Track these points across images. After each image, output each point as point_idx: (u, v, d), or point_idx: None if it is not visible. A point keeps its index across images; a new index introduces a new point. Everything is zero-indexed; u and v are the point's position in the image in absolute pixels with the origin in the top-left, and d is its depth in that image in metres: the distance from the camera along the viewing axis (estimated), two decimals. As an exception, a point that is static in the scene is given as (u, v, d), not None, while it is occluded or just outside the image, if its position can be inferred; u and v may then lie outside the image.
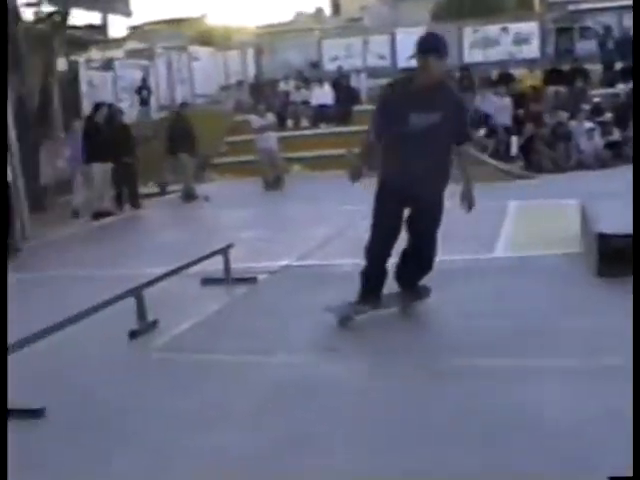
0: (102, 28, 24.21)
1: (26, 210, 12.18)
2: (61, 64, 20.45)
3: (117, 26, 58.97)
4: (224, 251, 7.75)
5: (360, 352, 5.68)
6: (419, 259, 6.33)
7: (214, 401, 4.94)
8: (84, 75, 21.46)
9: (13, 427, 4.71)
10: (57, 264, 10.03)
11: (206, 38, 35.77)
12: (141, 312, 6.37)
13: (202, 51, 28.94)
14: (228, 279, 7.72)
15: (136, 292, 6.38)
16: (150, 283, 6.63)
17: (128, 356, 5.99)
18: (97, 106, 15.41)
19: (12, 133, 11.83)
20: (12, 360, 5.01)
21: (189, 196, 15.60)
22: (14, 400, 4.83)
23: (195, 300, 7.35)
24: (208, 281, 7.79)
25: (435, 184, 6.14)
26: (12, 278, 9.25)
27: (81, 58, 23.33)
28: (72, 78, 20.83)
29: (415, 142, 5.90)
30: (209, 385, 5.22)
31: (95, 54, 25.71)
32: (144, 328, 6.35)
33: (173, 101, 23.86)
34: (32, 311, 7.12)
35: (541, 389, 4.60)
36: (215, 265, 7.75)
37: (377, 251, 6.24)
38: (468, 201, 6.24)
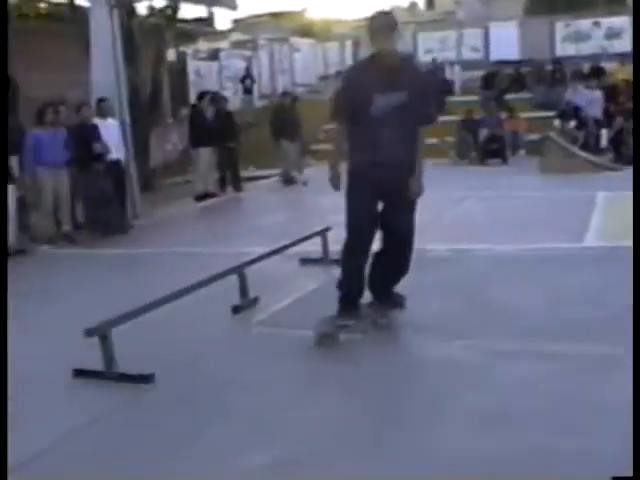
0: (209, 21, 24.52)
1: (137, 190, 12.43)
2: (171, 55, 20.79)
3: (223, 19, 59.54)
4: (322, 233, 7.81)
5: (454, 331, 5.60)
6: (396, 260, 5.71)
7: (307, 373, 5.00)
8: (192, 65, 21.83)
9: (124, 390, 4.88)
10: (165, 241, 10.24)
11: (306, 30, 35.82)
12: (243, 289, 6.45)
13: (302, 43, 29.06)
14: (326, 260, 7.76)
15: (239, 270, 6.47)
16: (252, 262, 6.71)
17: (231, 330, 6.08)
18: (202, 94, 15.60)
19: (127, 119, 12.10)
20: (125, 329, 5.18)
21: (288, 180, 15.70)
22: (126, 365, 4.99)
23: (294, 279, 7.39)
24: (307, 261, 7.84)
25: (409, 172, 5.46)
26: (126, 254, 9.56)
27: (189, 49, 23.67)
28: (180, 68, 21.17)
29: (383, 125, 5.30)
30: (305, 360, 5.26)
31: (202, 45, 26.03)
32: (246, 304, 6.43)
33: (274, 90, 24.02)
34: (142, 284, 7.30)
35: (624, 376, 4.50)
36: (313, 246, 7.80)
37: (355, 256, 5.61)
38: (415, 189, 5.49)
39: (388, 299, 5.88)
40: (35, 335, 6.23)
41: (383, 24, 5.37)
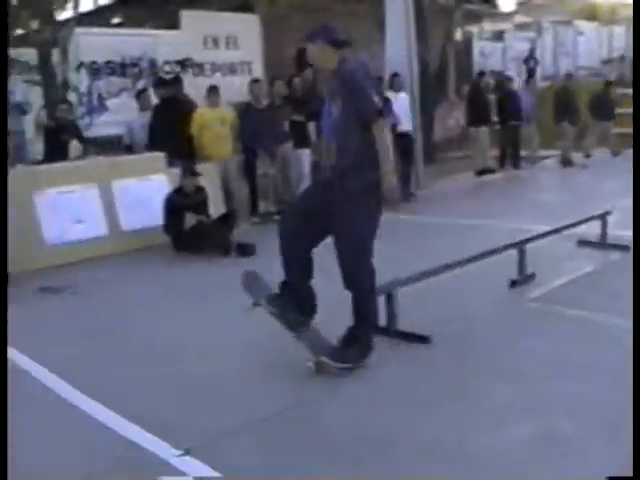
0: (493, 3, 24.19)
1: (422, 161, 12.52)
2: (457, 34, 20.74)
3: (507, 1, 58.32)
4: (602, 217, 7.45)
5: None
6: (353, 303, 4.68)
7: (578, 351, 4.77)
8: (476, 45, 21.53)
9: (401, 347, 4.99)
10: (445, 211, 10.30)
11: (590, 13, 34.16)
12: (522, 264, 6.32)
13: (587, 25, 27.73)
14: (604, 243, 7.41)
15: (519, 246, 6.34)
16: (531, 239, 6.55)
17: (507, 302, 5.97)
18: (481, 73, 15.46)
19: (416, 93, 12.20)
20: (408, 290, 5.28)
21: (567, 162, 15.14)
22: (405, 324, 5.09)
23: (570, 259, 7.13)
24: (584, 243, 7.53)
25: (351, 181, 4.49)
26: (408, 220, 9.63)
27: (474, 29, 23.43)
28: (466, 47, 21.01)
29: (336, 136, 4.65)
30: (573, 337, 5.06)
31: (487, 26, 25.64)
32: (523, 279, 6.30)
33: (557, 72, 23.23)
34: (423, 249, 7.47)
35: None
36: (589, 229, 7.49)
37: (285, 241, 4.67)
38: (388, 194, 4.50)
39: (346, 350, 4.67)
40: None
41: (306, 36, 4.76)
